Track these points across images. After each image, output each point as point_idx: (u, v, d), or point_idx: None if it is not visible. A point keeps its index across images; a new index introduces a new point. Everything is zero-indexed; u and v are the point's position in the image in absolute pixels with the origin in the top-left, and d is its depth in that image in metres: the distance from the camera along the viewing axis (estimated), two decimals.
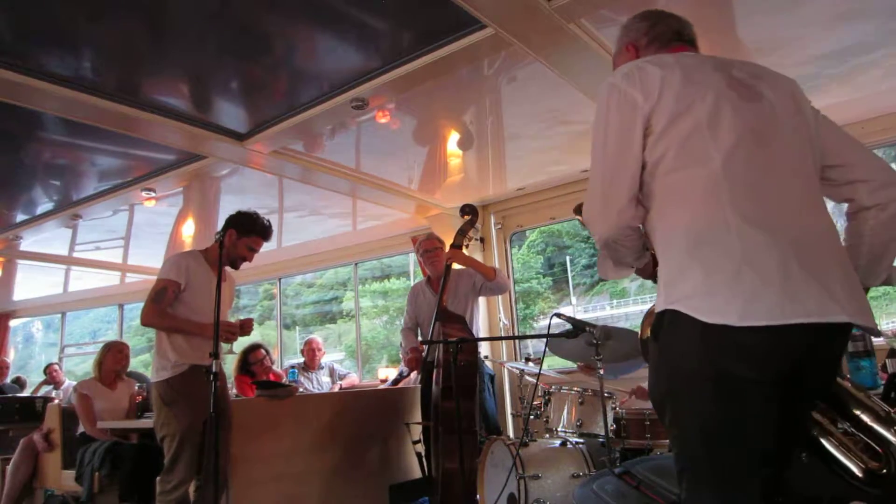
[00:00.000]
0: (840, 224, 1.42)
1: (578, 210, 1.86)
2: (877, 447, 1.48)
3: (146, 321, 2.92)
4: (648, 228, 1.41)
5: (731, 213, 1.24)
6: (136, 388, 4.37)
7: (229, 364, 4.64)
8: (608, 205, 1.37)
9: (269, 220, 3.21)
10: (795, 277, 1.19)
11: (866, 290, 1.43)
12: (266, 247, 6.05)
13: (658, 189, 1.34)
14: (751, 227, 1.23)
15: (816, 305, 1.18)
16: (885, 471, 1.44)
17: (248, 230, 3.12)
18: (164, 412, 2.89)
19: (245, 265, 3.27)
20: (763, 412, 1.23)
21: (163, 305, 2.91)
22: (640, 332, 1.80)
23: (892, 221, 1.40)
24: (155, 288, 2.94)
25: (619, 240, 1.40)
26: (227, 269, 3.20)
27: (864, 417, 1.51)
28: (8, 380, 6.86)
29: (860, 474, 1.47)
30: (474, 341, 3.55)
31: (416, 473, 3.85)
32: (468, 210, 3.85)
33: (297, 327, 13.06)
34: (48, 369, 6.77)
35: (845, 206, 1.48)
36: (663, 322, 1.29)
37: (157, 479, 2.88)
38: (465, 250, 3.86)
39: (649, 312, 1.76)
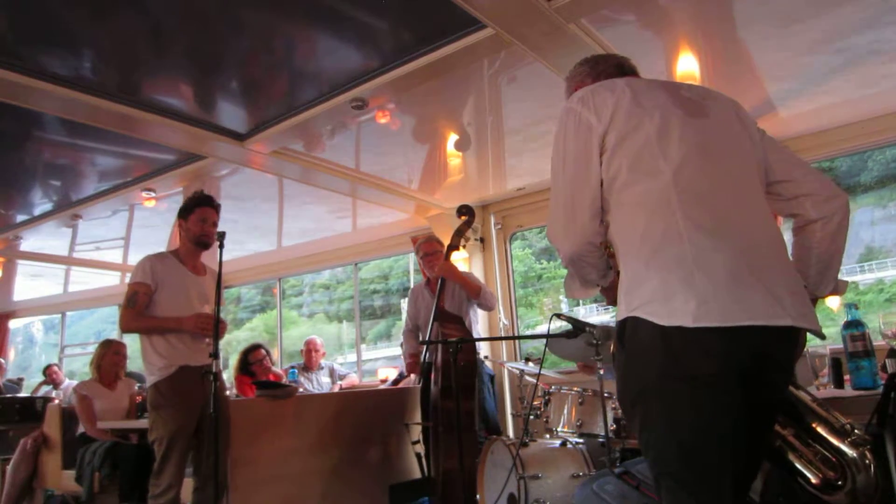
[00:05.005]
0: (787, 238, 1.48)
1: None
2: (832, 458, 1.53)
3: (124, 327, 2.96)
4: (610, 242, 1.47)
5: (683, 222, 1.30)
6: (136, 388, 4.37)
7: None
8: (571, 222, 1.44)
9: (202, 191, 3.22)
10: (744, 282, 1.26)
11: (814, 300, 1.51)
12: (266, 247, 6.12)
13: (615, 204, 1.40)
14: (702, 234, 1.29)
15: (763, 309, 1.24)
16: (840, 482, 1.49)
17: (189, 209, 3.11)
18: (152, 416, 2.90)
19: (244, 265, 3.26)
20: (729, 409, 1.26)
21: (137, 309, 2.92)
22: (612, 347, 1.83)
23: (838, 233, 1.49)
24: (126, 295, 2.96)
25: (583, 256, 1.47)
26: (208, 265, 3.22)
27: (820, 429, 1.56)
28: (2, 380, 6.85)
29: (816, 482, 1.52)
30: (474, 341, 3.55)
31: (416, 473, 3.85)
32: (465, 211, 3.84)
33: (344, 322, 12.84)
34: (48, 370, 6.75)
35: (792, 221, 1.55)
36: (625, 330, 1.34)
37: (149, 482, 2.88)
38: (462, 250, 3.86)
39: None
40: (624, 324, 1.34)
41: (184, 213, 3.12)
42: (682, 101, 1.45)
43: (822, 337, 1.49)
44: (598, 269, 1.52)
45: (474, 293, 3.83)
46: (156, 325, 2.94)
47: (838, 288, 1.56)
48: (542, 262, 10.16)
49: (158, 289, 2.97)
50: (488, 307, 3.94)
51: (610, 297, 1.62)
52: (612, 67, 1.65)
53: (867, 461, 1.47)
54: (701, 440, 1.26)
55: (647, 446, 1.34)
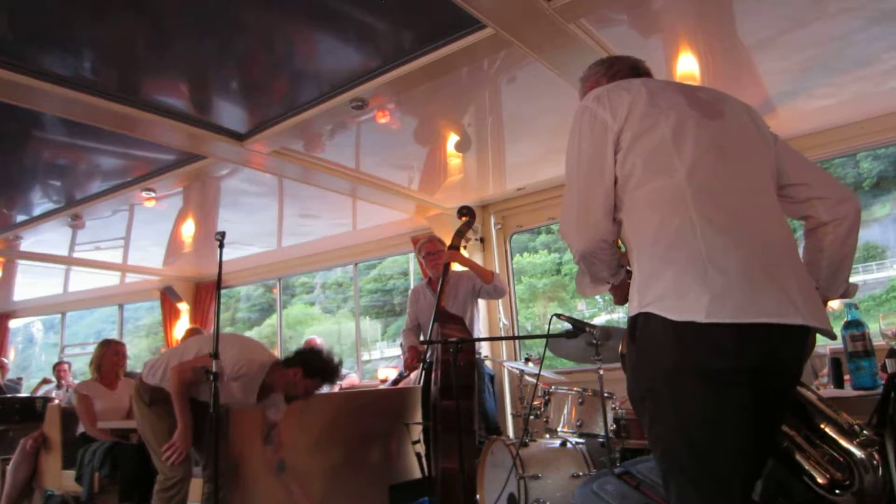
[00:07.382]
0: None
1: None
2: (840, 459, 1.53)
3: (176, 382, 2.80)
4: (623, 240, 1.47)
5: (697, 219, 1.31)
6: None
7: None
8: (584, 219, 1.45)
9: (339, 360, 3.03)
10: (757, 280, 1.27)
11: (825, 302, 1.51)
12: (266, 246, 6.12)
13: (629, 202, 1.41)
14: (716, 232, 1.30)
15: (776, 307, 1.25)
16: (847, 482, 1.49)
17: (315, 374, 2.95)
18: (149, 411, 2.89)
19: (244, 265, 3.25)
20: (739, 403, 1.27)
21: (193, 382, 2.81)
22: (620, 347, 1.83)
23: (849, 235, 1.50)
24: (200, 359, 2.80)
25: (595, 253, 1.47)
26: (211, 271, 3.16)
27: (829, 430, 1.56)
28: (3, 380, 6.84)
29: (822, 482, 1.53)
30: (474, 341, 3.55)
31: (416, 473, 3.85)
32: (465, 212, 3.84)
33: (367, 318, 12.71)
34: (57, 367, 6.69)
35: (803, 223, 1.56)
36: (637, 325, 1.34)
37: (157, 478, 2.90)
38: (462, 251, 3.86)
39: None
40: (636, 319, 1.35)
41: (310, 369, 2.92)
42: (697, 103, 1.46)
43: (833, 337, 1.49)
44: (609, 267, 1.52)
45: (487, 277, 3.83)
46: (179, 408, 2.82)
47: (848, 291, 1.56)
48: None
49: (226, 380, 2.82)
50: (501, 292, 3.96)
51: (618, 295, 1.62)
52: (627, 68, 1.67)
53: (875, 462, 1.47)
54: (710, 436, 1.26)
55: (657, 442, 1.34)
